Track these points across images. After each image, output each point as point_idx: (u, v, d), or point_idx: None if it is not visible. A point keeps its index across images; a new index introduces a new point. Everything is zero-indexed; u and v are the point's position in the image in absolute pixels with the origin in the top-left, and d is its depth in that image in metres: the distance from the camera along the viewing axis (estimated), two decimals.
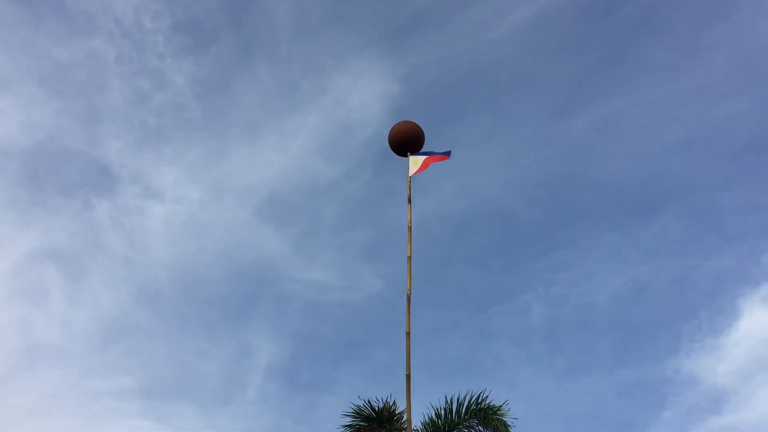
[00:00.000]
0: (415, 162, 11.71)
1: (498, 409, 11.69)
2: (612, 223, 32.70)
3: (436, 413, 12.03)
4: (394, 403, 12.10)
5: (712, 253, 30.81)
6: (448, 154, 11.92)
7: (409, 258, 10.48)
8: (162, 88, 32.66)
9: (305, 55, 34.11)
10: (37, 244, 29.95)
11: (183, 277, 32.77)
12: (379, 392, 12.17)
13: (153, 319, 32.45)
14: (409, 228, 10.58)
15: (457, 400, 11.93)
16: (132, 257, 31.28)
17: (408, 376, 9.39)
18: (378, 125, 34.33)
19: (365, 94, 34.00)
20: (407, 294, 10.20)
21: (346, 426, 11.89)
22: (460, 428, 11.82)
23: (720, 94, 31.49)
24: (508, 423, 11.57)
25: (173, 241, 32.72)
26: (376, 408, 11.83)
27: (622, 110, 32.94)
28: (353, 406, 11.90)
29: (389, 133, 12.10)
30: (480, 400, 11.84)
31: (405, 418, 12.10)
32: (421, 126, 12.23)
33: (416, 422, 12.05)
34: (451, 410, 11.98)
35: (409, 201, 10.85)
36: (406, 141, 12.03)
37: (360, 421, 11.87)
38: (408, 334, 10.12)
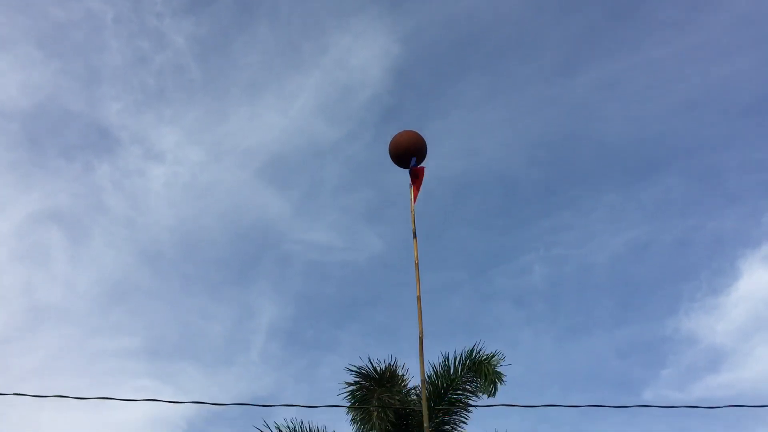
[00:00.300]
0: (412, 192, 10.87)
1: (490, 359, 11.91)
2: (613, 184, 32.70)
3: (434, 371, 12.23)
4: (395, 363, 12.26)
5: (714, 214, 30.89)
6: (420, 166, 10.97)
7: (419, 298, 9.97)
8: (161, 49, 32.32)
9: (305, 15, 33.68)
10: (39, 207, 30.02)
11: (185, 238, 32.92)
12: (381, 351, 12.33)
13: (156, 280, 32.69)
14: (416, 264, 10.23)
15: (453, 357, 12.14)
16: (134, 219, 31.37)
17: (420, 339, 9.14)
18: (379, 86, 34.07)
19: (366, 55, 33.68)
20: (419, 337, 9.71)
21: (349, 383, 12.04)
22: (456, 383, 12.02)
23: (725, 53, 31.19)
24: (501, 372, 11.75)
25: (174, 203, 32.78)
26: (378, 369, 11.98)
27: (625, 70, 32.64)
28: (355, 367, 12.04)
29: (390, 146, 10.52)
30: (474, 354, 12.06)
31: (406, 378, 12.35)
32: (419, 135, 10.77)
33: (416, 381, 12.33)
34: (448, 368, 12.17)
35: (415, 236, 10.41)
36: (408, 155, 10.83)
37: (362, 380, 12.01)
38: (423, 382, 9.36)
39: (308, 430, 11.91)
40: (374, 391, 11.64)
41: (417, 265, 9.75)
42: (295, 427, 11.86)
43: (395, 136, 10.48)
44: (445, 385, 12.08)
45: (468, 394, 12.14)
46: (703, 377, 28.22)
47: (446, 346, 12.55)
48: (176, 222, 32.81)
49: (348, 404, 11.88)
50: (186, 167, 32.77)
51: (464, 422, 12.28)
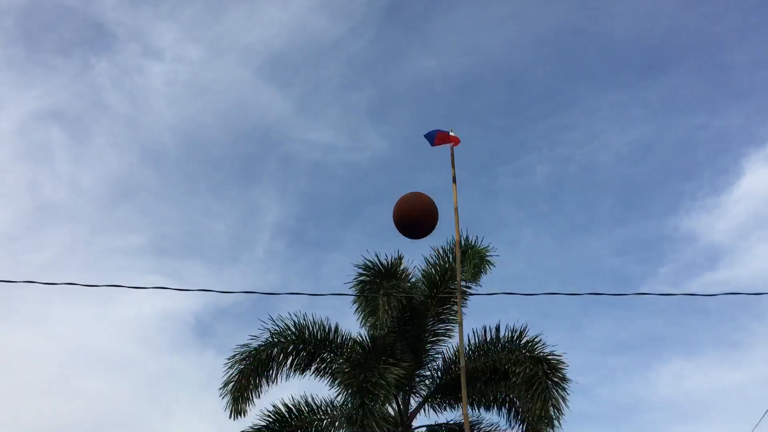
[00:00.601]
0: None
1: (475, 246, 12.14)
2: (620, 82, 32.09)
3: (427, 262, 12.65)
4: (400, 258, 12.40)
5: (720, 112, 30.47)
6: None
7: (458, 242, 9.86)
8: None
9: None
10: (39, 105, 29.73)
11: (187, 137, 32.76)
12: (385, 250, 12.42)
13: (159, 179, 32.77)
14: (456, 210, 10.15)
15: (443, 247, 12.50)
16: (135, 117, 31.12)
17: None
18: None
19: None
20: (457, 285, 9.57)
21: (360, 272, 12.18)
22: (451, 272, 12.26)
23: None
24: (490, 261, 12.07)
25: (175, 101, 32.38)
26: (385, 263, 12.11)
27: None
28: (364, 259, 12.15)
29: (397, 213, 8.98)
30: (462, 243, 12.23)
31: (411, 273, 12.57)
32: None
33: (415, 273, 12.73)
34: (440, 257, 12.55)
35: (454, 180, 10.28)
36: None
37: (368, 275, 12.16)
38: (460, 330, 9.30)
39: (312, 322, 12.23)
40: (380, 285, 11.83)
41: (456, 209, 9.71)
42: (299, 320, 12.18)
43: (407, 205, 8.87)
44: (439, 275, 12.43)
45: (464, 283, 12.39)
46: (701, 274, 28.72)
47: (444, 243, 12.86)
48: (178, 121, 32.56)
49: (354, 294, 12.14)
50: (186, 65, 32.18)
51: (462, 313, 12.60)
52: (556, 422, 10.64)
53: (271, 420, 11.99)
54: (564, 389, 10.96)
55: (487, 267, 11.76)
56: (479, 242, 12.19)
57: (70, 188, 31.03)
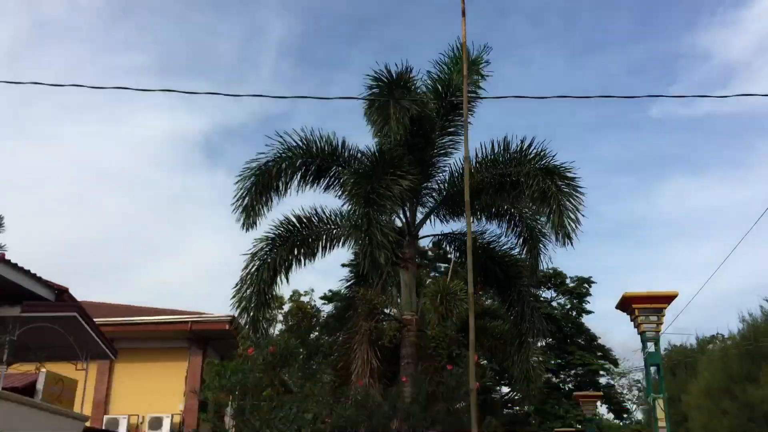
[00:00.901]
0: None
1: (471, 57, 12.23)
2: None
3: (429, 77, 12.87)
4: (408, 69, 12.15)
5: None
6: None
7: (465, 77, 9.69)
8: None
9: None
10: None
11: None
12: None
13: None
14: (464, 45, 9.40)
15: (445, 64, 12.75)
16: None
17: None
18: None
19: None
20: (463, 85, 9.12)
21: (369, 84, 12.05)
22: (454, 84, 12.42)
23: None
24: (485, 74, 12.48)
25: None
26: (395, 73, 11.84)
27: None
28: (373, 71, 11.92)
29: None
30: (459, 52, 12.30)
31: (417, 86, 12.43)
32: None
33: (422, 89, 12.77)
34: (443, 71, 12.71)
35: (464, 14, 9.35)
36: None
37: (379, 86, 11.96)
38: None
39: (319, 137, 12.24)
40: (391, 94, 11.71)
41: (464, 44, 9.31)
42: (306, 134, 12.19)
43: None
44: (443, 86, 12.56)
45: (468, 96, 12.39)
46: (712, 92, 28.23)
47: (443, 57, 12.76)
48: None
49: (364, 98, 12.08)
50: None
51: (468, 122, 12.63)
52: (573, 234, 10.57)
53: (282, 230, 12.41)
54: (579, 200, 10.82)
55: (483, 65, 12.11)
56: (473, 53, 12.51)
57: (68, 4, 29.95)
